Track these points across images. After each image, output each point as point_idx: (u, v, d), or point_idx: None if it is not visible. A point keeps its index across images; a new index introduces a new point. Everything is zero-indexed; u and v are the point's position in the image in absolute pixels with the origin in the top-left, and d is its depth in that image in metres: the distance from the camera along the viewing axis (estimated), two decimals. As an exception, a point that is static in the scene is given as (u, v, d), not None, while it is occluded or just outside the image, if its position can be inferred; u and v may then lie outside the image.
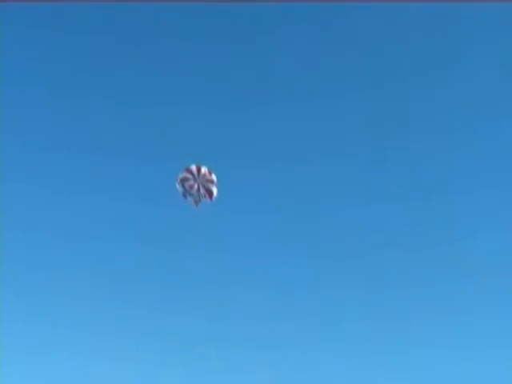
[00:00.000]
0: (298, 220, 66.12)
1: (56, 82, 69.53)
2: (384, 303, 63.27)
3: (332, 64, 71.36)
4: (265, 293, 63.12)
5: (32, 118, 68.57)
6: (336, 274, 64.66)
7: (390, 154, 69.28)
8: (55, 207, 66.21)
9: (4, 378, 55.07)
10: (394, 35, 70.38)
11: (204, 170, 49.17)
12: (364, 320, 61.49)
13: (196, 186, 49.07)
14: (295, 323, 61.83)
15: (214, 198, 49.49)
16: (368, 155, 68.91)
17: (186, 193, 49.20)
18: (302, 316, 62.47)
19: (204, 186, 49.12)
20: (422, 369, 58.53)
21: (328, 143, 71.27)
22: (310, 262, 65.12)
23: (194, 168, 49.09)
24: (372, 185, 68.98)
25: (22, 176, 66.67)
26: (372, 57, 70.58)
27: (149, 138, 71.18)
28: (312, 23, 69.87)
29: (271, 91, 72.19)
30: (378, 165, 69.18)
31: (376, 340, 60.20)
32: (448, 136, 69.11)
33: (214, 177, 49.29)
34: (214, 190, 49.33)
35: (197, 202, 49.26)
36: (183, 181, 49.07)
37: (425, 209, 65.91)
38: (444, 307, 62.23)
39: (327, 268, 65.09)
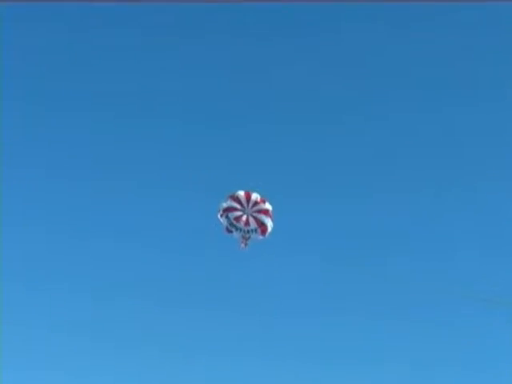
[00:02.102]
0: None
1: (56, 84, 61.70)
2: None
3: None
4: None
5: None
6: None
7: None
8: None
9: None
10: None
11: (255, 196, 37.28)
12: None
13: (245, 218, 37.28)
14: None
15: (267, 234, 37.63)
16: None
17: (232, 227, 37.47)
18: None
19: (255, 218, 37.33)
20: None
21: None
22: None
23: (242, 194, 37.24)
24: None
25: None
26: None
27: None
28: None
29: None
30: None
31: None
32: None
33: (268, 206, 37.37)
34: (269, 224, 37.39)
35: (246, 238, 37.45)
36: (227, 211, 37.30)
37: None
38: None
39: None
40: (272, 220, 37.26)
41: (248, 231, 37.29)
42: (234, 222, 37.23)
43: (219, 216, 37.29)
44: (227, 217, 37.22)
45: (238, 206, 37.13)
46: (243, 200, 37.05)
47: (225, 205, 37.17)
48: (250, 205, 37.02)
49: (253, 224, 37.21)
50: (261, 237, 37.47)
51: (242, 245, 37.40)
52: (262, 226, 37.25)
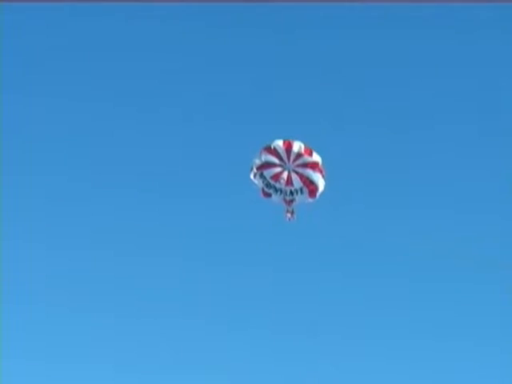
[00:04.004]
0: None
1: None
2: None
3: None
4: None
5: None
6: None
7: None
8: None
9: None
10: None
11: (299, 146, 27.79)
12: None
13: (286, 175, 27.95)
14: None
15: (318, 195, 28.24)
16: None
17: (269, 188, 28.19)
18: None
19: (300, 175, 27.91)
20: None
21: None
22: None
23: (280, 145, 27.80)
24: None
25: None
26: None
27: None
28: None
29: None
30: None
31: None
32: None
33: (316, 157, 27.90)
34: (320, 182, 27.98)
35: (289, 202, 28.22)
36: (263, 168, 27.98)
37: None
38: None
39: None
40: (323, 176, 27.90)
41: (291, 192, 28.06)
42: (272, 182, 27.99)
43: (252, 176, 28.08)
44: (262, 175, 27.99)
45: (277, 161, 27.80)
46: (282, 152, 27.69)
47: (258, 161, 27.86)
48: (292, 158, 27.68)
49: (297, 183, 27.92)
50: (309, 199, 28.20)
51: (288, 215, 28.29)
52: (311, 184, 27.90)
